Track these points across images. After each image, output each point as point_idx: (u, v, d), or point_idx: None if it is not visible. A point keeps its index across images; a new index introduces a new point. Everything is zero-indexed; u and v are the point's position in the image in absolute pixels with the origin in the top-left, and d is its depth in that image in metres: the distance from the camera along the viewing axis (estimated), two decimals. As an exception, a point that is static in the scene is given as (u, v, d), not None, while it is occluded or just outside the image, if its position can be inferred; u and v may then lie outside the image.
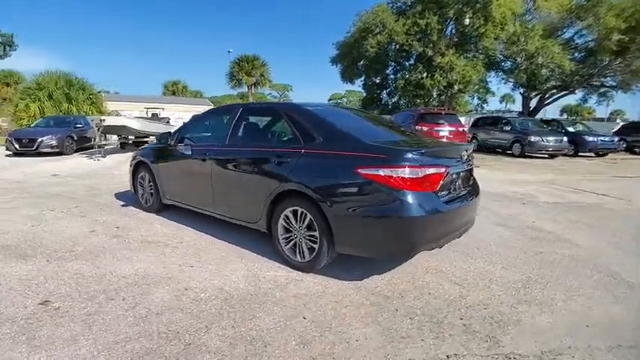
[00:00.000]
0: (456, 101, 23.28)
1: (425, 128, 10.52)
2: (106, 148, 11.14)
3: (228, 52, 33.29)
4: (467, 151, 2.88)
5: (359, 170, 2.36)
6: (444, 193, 2.54)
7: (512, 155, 12.61)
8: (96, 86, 19.59)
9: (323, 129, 2.78)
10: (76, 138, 11.41)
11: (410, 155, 2.39)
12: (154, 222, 3.99)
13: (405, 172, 2.30)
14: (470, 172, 2.98)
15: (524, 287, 2.56)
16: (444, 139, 8.93)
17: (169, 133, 4.10)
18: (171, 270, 2.75)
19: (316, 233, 2.54)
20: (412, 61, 20.93)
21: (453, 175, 2.64)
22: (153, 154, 4.24)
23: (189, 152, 3.66)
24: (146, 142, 11.81)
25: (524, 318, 2.14)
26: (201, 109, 24.13)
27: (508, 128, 13.31)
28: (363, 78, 27.01)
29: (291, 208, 2.67)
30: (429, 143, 3.16)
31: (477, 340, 1.91)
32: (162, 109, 27.08)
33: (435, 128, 10.75)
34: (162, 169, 4.03)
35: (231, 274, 2.70)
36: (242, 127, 3.40)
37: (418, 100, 20.42)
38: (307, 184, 2.52)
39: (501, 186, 6.46)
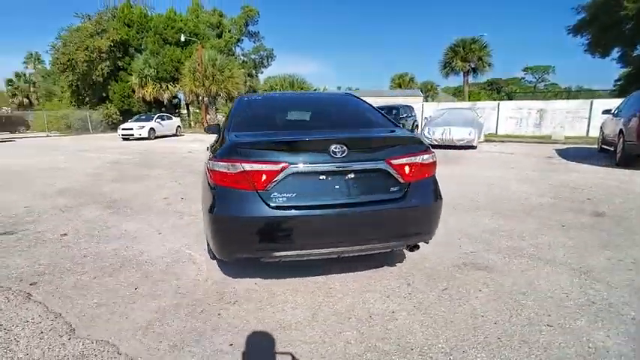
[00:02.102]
0: None
1: None
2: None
3: (481, 36, 31.68)
4: (342, 144, 2.19)
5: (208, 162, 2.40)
6: (288, 194, 2.16)
7: None
8: (313, 84, 25.23)
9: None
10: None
11: (229, 148, 2.26)
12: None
13: (218, 167, 2.20)
14: (364, 172, 2.25)
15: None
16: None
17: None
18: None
19: None
20: None
21: (309, 175, 2.20)
22: None
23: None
24: None
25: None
26: (411, 100, 25.75)
27: None
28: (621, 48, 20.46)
29: None
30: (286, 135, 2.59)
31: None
32: None
33: None
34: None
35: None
36: None
37: None
38: None
39: None
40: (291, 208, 2.15)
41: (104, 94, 28.38)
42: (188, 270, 2.82)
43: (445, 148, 11.22)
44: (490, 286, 2.51)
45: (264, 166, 2.13)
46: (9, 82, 32.10)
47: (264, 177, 2.13)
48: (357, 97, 3.53)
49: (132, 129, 18.67)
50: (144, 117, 21.18)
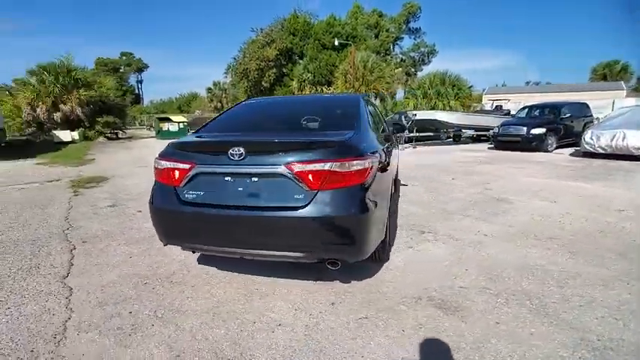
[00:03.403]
0: None
1: None
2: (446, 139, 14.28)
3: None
4: (239, 147, 2.28)
5: None
6: (198, 192, 2.39)
7: None
8: (470, 82, 23.15)
9: None
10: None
11: (165, 147, 2.62)
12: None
13: (155, 163, 2.59)
14: (265, 176, 2.27)
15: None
16: None
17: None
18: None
19: None
20: None
21: (215, 176, 2.36)
22: None
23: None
24: (485, 135, 13.69)
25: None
26: (611, 95, 20.20)
27: None
28: None
29: None
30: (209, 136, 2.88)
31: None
32: (508, 100, 25.94)
33: None
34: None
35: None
36: None
37: None
38: None
39: None
40: (198, 205, 2.38)
41: (273, 99, 33.85)
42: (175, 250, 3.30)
43: (617, 159, 8.58)
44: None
45: (178, 164, 2.44)
46: (209, 89, 42.35)
47: (177, 174, 2.44)
48: (358, 101, 3.38)
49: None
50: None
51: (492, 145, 12.82)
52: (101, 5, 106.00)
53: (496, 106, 23.23)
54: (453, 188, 5.99)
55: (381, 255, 2.88)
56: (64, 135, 18.46)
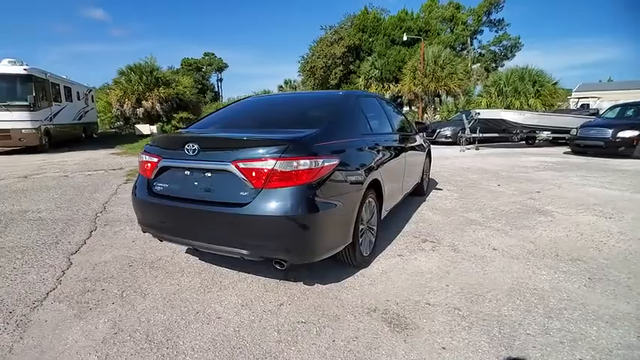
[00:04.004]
0: None
1: None
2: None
3: None
4: (194, 143, 2.37)
5: None
6: (164, 184, 2.57)
7: None
8: (558, 78, 20.73)
9: None
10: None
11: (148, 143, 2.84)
12: None
13: (139, 157, 2.80)
14: (216, 172, 2.34)
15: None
16: None
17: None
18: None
19: None
20: None
21: (178, 170, 2.50)
22: None
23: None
24: (563, 138, 12.39)
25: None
26: None
27: None
28: None
29: None
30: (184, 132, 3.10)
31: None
32: (598, 98, 22.07)
33: None
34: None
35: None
36: None
37: None
38: None
39: None
40: (163, 196, 2.55)
41: (340, 96, 34.11)
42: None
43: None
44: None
45: (151, 158, 2.63)
46: (280, 87, 44.08)
47: (149, 167, 2.63)
48: (342, 99, 3.32)
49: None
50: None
51: (569, 150, 11.35)
52: (188, 8, 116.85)
53: (581, 105, 20.38)
54: (491, 195, 5.46)
55: (352, 260, 2.76)
56: (144, 129, 20.81)
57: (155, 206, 2.58)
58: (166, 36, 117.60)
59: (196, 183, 2.43)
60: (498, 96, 21.02)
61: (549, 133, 13.72)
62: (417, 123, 5.00)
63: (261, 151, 2.23)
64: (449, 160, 9.86)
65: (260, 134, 2.61)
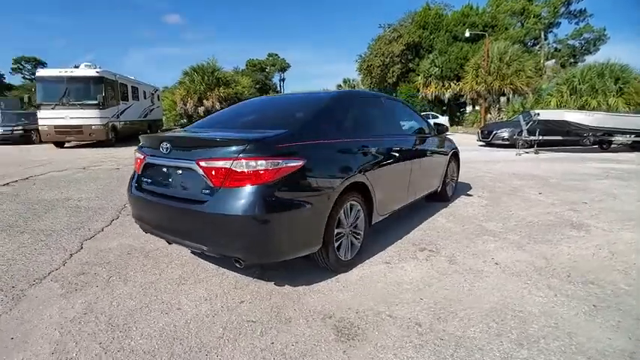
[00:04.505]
0: None
1: None
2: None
3: None
4: (167, 142, 2.54)
5: None
6: (148, 180, 2.75)
7: None
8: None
9: None
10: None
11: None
12: None
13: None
14: (184, 170, 2.45)
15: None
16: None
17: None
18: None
19: None
20: None
21: (158, 167, 2.66)
22: None
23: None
24: None
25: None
26: None
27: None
28: None
29: None
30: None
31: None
32: None
33: None
34: None
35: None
36: None
37: None
38: None
39: None
40: (146, 191, 2.74)
41: (394, 95, 33.31)
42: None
43: None
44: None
45: (140, 155, 2.84)
46: (338, 87, 44.24)
47: (138, 163, 2.85)
48: (324, 100, 3.29)
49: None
50: (408, 116, 23.54)
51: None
52: (255, 10, 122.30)
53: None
54: (525, 204, 4.98)
55: (326, 263, 2.72)
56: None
57: (140, 200, 2.78)
58: (234, 38, 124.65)
59: (171, 180, 2.59)
60: (571, 95, 18.99)
61: (630, 136, 12.12)
62: (436, 124, 4.72)
63: (220, 150, 2.30)
64: (499, 165, 9.16)
65: (229, 134, 2.69)
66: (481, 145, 14.72)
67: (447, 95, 29.64)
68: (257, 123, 3.15)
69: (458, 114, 32.06)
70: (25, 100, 16.69)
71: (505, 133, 13.73)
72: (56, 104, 12.62)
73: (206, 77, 23.48)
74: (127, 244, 3.50)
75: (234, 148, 2.26)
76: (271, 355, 1.90)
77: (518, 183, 6.63)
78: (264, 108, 3.68)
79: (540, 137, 11.86)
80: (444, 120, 24.18)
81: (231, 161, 2.22)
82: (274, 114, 3.32)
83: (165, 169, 2.62)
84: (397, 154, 3.54)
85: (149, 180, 2.77)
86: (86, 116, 12.66)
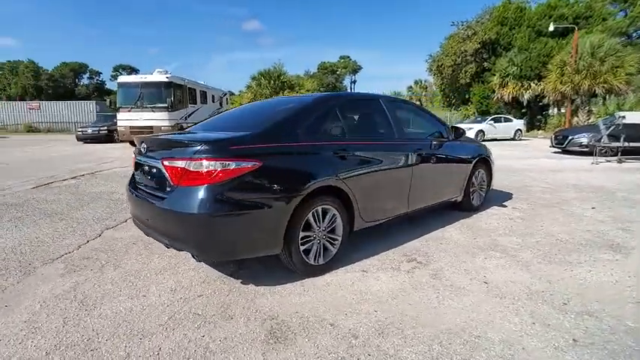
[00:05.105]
0: None
1: None
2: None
3: None
4: (144, 143, 2.88)
5: None
6: (136, 178, 3.07)
7: None
8: None
9: None
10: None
11: None
12: None
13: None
14: (154, 168, 2.71)
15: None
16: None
17: None
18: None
19: None
20: None
21: (141, 166, 2.93)
22: None
23: None
24: None
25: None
26: None
27: None
28: None
29: None
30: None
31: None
32: None
33: None
34: None
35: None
36: None
37: None
38: None
39: None
40: (135, 188, 3.02)
41: (467, 96, 31.39)
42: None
43: None
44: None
45: (133, 154, 3.15)
46: (409, 88, 43.24)
47: (132, 162, 3.15)
48: (304, 102, 3.32)
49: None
50: (479, 118, 21.97)
51: None
52: (328, 14, 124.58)
53: None
54: (565, 220, 4.43)
55: (291, 266, 2.75)
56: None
57: (130, 196, 3.09)
58: (308, 41, 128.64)
59: (149, 177, 2.84)
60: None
61: None
62: (453, 128, 4.40)
63: (181, 150, 2.48)
64: (562, 174, 8.19)
65: (208, 135, 2.89)
66: (555, 152, 13.25)
67: (526, 96, 27.13)
68: (242, 125, 3.28)
69: (540, 117, 29.16)
70: (107, 103, 19.20)
71: (584, 139, 12.14)
72: (132, 107, 14.34)
73: (272, 81, 24.66)
74: (137, 236, 3.88)
75: (191, 149, 2.42)
76: (195, 347, 2.00)
77: (571, 195, 5.88)
78: (255, 111, 3.81)
79: (626, 144, 10.31)
80: (518, 123, 22.22)
81: (187, 161, 2.38)
82: (255, 117, 3.43)
83: (146, 168, 2.88)
84: (392, 159, 3.42)
85: (136, 178, 3.08)
86: (157, 118, 14.15)
